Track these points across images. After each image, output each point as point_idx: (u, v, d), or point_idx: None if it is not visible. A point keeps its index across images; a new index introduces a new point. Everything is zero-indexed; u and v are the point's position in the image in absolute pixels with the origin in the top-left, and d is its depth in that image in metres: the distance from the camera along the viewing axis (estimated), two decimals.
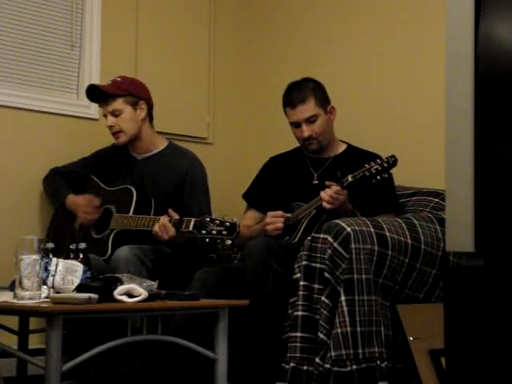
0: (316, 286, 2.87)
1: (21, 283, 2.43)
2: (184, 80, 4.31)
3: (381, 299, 2.90)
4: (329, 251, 2.86)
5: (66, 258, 2.74)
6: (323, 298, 2.83)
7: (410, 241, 3.03)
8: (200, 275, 3.21)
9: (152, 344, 2.92)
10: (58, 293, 2.56)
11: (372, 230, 2.93)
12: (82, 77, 3.93)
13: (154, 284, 2.63)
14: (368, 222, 2.96)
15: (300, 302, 2.86)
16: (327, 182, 3.16)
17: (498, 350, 1.69)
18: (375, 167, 3.10)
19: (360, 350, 2.79)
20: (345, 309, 2.78)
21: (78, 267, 2.65)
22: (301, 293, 2.87)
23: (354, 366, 2.76)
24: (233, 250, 3.63)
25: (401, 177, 3.45)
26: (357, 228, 2.89)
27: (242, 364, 3.00)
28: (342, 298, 2.79)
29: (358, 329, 2.79)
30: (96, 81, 3.86)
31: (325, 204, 3.13)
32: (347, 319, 2.78)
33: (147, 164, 3.55)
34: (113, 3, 4.04)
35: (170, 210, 3.20)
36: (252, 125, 4.55)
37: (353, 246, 2.85)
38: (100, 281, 2.57)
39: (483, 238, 1.70)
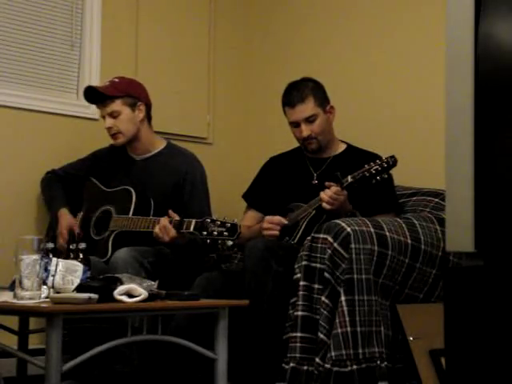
0: (316, 286, 2.87)
1: (21, 283, 2.43)
2: (184, 80, 4.31)
3: (381, 299, 2.90)
4: (329, 251, 2.86)
5: (66, 258, 2.74)
6: (323, 298, 2.83)
7: (409, 241, 3.03)
8: (200, 281, 3.21)
9: (151, 344, 2.91)
10: (58, 293, 2.56)
11: (372, 229, 2.93)
12: (82, 77, 3.93)
13: (154, 284, 2.63)
14: (368, 222, 2.96)
15: (300, 302, 2.86)
16: (327, 183, 3.16)
17: (498, 350, 1.69)
18: (375, 167, 3.10)
19: (360, 350, 2.79)
20: (345, 309, 2.78)
21: (78, 267, 2.65)
22: (301, 293, 2.87)
23: (355, 366, 2.76)
24: (233, 251, 3.63)
25: (401, 177, 3.45)
26: (357, 228, 2.89)
27: (242, 364, 3.00)
28: (342, 298, 2.79)
29: (358, 329, 2.79)
30: (96, 81, 3.86)
31: (325, 205, 3.13)
32: (347, 319, 2.78)
33: (146, 165, 3.55)
34: (113, 3, 4.04)
35: (170, 211, 3.19)
36: (252, 125, 4.55)
37: (353, 246, 2.85)
38: (100, 281, 2.57)
39: (483, 237, 1.70)
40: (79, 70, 3.95)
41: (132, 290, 2.51)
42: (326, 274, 2.85)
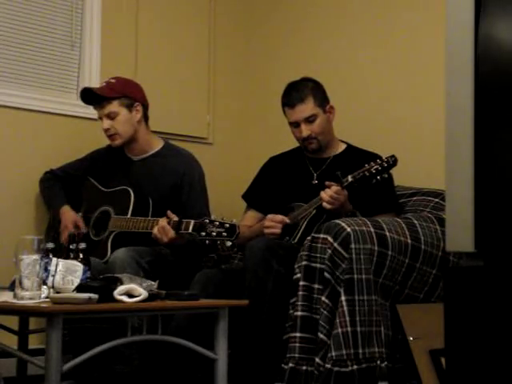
0: (316, 286, 2.87)
1: (21, 283, 2.43)
2: (184, 80, 4.31)
3: (381, 299, 2.90)
4: (329, 251, 2.86)
5: (66, 258, 2.74)
6: (323, 298, 2.83)
7: (409, 241, 3.03)
8: (200, 277, 3.21)
9: (151, 344, 2.91)
10: (58, 293, 2.56)
11: (372, 229, 2.93)
12: (82, 77, 3.94)
13: (154, 284, 2.63)
14: (368, 222, 2.96)
15: (299, 303, 2.86)
16: (327, 182, 3.16)
17: (498, 350, 1.69)
18: (375, 167, 3.10)
19: (360, 350, 2.79)
20: (345, 309, 2.78)
21: (77, 267, 2.65)
22: (300, 293, 2.87)
23: (355, 366, 2.76)
24: (233, 251, 3.63)
25: (401, 177, 3.45)
26: (357, 228, 2.89)
27: (242, 364, 3.00)
28: (342, 297, 2.79)
29: (358, 329, 2.79)
30: (96, 81, 3.86)
31: (325, 204, 3.13)
32: (347, 319, 2.78)
33: (143, 165, 3.54)
34: (113, 3, 4.04)
35: (168, 212, 3.19)
36: (252, 125, 4.55)
37: (353, 246, 2.85)
38: (100, 281, 2.57)
39: (483, 237, 1.70)
40: (79, 70, 3.95)
41: (132, 290, 2.51)
42: (326, 274, 2.85)
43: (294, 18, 4.39)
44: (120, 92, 3.46)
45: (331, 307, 2.82)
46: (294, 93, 3.40)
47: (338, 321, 2.77)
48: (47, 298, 2.50)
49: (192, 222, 3.06)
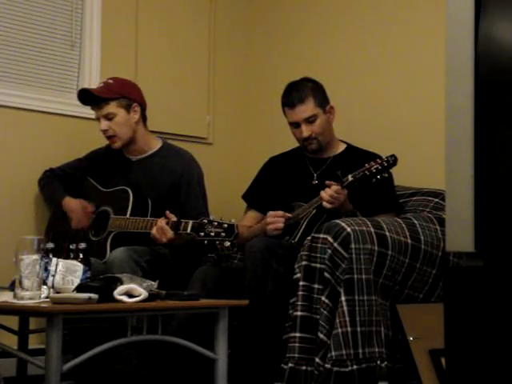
0: (316, 286, 2.87)
1: (21, 283, 2.43)
2: (184, 80, 4.31)
3: (381, 299, 2.90)
4: (329, 251, 2.86)
5: (66, 258, 2.74)
6: (323, 298, 2.83)
7: (409, 241, 3.03)
8: (199, 274, 3.21)
9: (150, 344, 2.91)
10: (58, 293, 2.56)
11: (372, 229, 2.93)
12: (82, 77, 3.93)
13: (154, 284, 2.63)
14: (368, 222, 2.96)
15: (299, 302, 2.86)
16: (327, 182, 3.16)
17: (498, 350, 1.69)
18: (375, 166, 3.10)
19: (360, 350, 2.79)
20: (345, 309, 2.78)
21: (77, 267, 2.65)
22: (300, 293, 2.87)
23: (355, 366, 2.76)
24: (233, 251, 3.63)
25: (401, 177, 3.45)
26: (357, 228, 2.89)
27: (242, 364, 3.00)
28: (342, 298, 2.80)
29: (358, 329, 2.79)
30: (96, 81, 3.86)
31: (325, 203, 3.13)
32: (347, 319, 2.78)
33: (142, 166, 3.54)
34: (113, 3, 4.04)
35: (167, 212, 3.19)
36: (252, 125, 4.55)
37: (353, 246, 2.85)
38: (100, 281, 2.57)
39: (483, 237, 1.70)
40: (79, 70, 3.95)
41: (132, 290, 2.51)
42: (326, 274, 2.85)
43: (294, 18, 4.39)
44: (118, 93, 3.46)
45: (331, 307, 2.82)
46: (294, 93, 3.40)
47: (337, 321, 2.77)
48: (47, 297, 2.50)
49: (190, 222, 3.06)
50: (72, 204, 3.50)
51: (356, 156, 3.42)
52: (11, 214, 3.62)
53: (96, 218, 3.49)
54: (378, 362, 2.82)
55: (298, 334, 2.84)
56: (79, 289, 2.51)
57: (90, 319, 2.78)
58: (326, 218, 3.17)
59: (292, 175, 3.52)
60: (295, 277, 2.91)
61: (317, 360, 2.79)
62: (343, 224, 2.90)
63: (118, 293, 2.48)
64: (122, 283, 2.53)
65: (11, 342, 3.00)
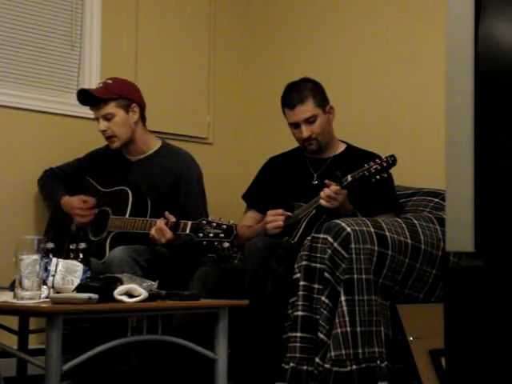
0: (316, 286, 2.87)
1: (21, 283, 2.43)
2: (184, 80, 4.31)
3: (381, 299, 2.90)
4: (329, 251, 2.86)
5: (66, 258, 2.74)
6: (323, 298, 2.83)
7: (409, 241, 3.03)
8: (199, 275, 3.22)
9: (150, 344, 2.91)
10: (58, 293, 2.56)
11: (372, 229, 2.93)
12: (82, 77, 3.94)
13: (154, 284, 2.63)
14: (368, 222, 2.96)
15: (300, 302, 2.86)
16: (326, 181, 3.16)
17: (498, 350, 1.69)
18: (375, 167, 3.10)
19: (360, 350, 2.79)
20: (345, 309, 2.78)
21: (77, 267, 2.65)
22: (301, 293, 2.87)
23: (354, 366, 2.76)
24: (233, 251, 3.63)
25: (401, 177, 3.45)
26: (357, 228, 2.89)
27: (242, 364, 3.00)
28: (342, 297, 2.79)
29: (358, 329, 2.79)
30: (96, 81, 3.85)
31: (322, 201, 3.12)
32: (347, 319, 2.78)
33: (141, 166, 3.54)
34: (113, 3, 4.04)
35: (166, 213, 3.19)
36: (252, 125, 4.55)
37: (353, 246, 2.85)
38: (100, 281, 2.57)
39: (483, 237, 1.71)
40: (79, 70, 3.95)
41: (132, 290, 2.51)
42: (326, 274, 2.85)
43: (294, 18, 4.39)
44: (117, 93, 3.46)
45: (331, 307, 2.82)
46: (294, 93, 3.40)
47: (337, 321, 2.77)
48: (47, 298, 2.49)
49: (189, 223, 3.06)
50: (72, 201, 3.50)
51: (356, 156, 3.42)
52: (11, 214, 3.62)
53: (95, 218, 3.49)
54: (378, 362, 2.81)
55: (298, 334, 2.84)
56: (79, 289, 2.51)
57: (89, 319, 2.78)
58: (325, 218, 3.17)
59: (292, 175, 3.52)
60: (295, 277, 2.91)
61: (317, 360, 2.79)
62: (343, 224, 2.90)
63: (118, 293, 2.48)
64: (121, 283, 2.53)
65: (11, 341, 3.00)
